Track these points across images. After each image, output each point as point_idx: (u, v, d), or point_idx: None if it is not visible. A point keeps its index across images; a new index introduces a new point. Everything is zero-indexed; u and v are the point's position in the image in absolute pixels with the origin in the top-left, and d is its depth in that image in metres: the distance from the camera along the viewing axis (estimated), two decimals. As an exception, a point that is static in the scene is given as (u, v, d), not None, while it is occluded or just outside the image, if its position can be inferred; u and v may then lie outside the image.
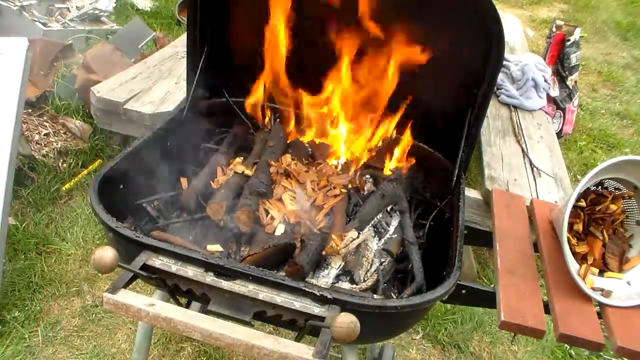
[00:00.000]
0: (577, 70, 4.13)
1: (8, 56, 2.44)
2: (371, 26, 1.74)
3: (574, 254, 1.46)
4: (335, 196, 1.67)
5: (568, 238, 1.44)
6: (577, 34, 3.99)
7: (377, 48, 1.78)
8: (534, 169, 2.83)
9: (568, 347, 2.47)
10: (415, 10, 1.70)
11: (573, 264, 1.40)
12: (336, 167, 1.89)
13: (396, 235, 1.65)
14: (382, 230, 1.66)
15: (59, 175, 3.00)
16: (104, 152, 3.27)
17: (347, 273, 1.48)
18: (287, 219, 1.53)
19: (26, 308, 2.31)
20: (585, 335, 1.25)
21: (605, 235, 1.51)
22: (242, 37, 2.02)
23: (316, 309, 1.16)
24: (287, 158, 1.83)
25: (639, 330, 1.28)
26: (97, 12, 4.45)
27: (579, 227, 1.51)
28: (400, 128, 1.91)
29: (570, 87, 4.02)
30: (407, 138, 1.90)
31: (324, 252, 1.45)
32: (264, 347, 1.04)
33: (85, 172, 3.12)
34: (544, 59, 4.01)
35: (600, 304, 1.37)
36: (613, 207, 1.51)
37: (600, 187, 1.54)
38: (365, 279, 1.47)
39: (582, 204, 1.51)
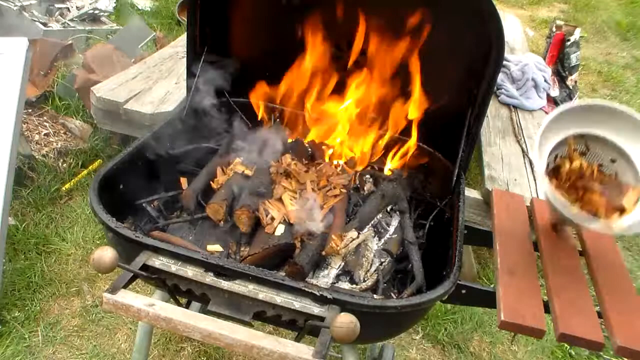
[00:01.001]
0: (577, 70, 4.13)
1: (8, 56, 2.44)
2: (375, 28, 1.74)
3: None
4: (335, 196, 1.67)
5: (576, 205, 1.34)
6: (577, 34, 3.99)
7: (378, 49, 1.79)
8: (534, 169, 2.83)
9: (568, 347, 2.47)
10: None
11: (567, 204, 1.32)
12: (336, 167, 1.90)
13: (396, 235, 1.65)
14: (382, 230, 1.66)
15: (59, 175, 3.00)
16: (104, 152, 3.27)
17: (347, 273, 1.48)
18: (287, 219, 1.53)
19: (26, 308, 2.31)
20: (585, 335, 1.25)
21: (595, 185, 1.39)
22: (242, 37, 2.02)
23: (316, 309, 1.15)
24: (287, 158, 1.83)
25: (639, 330, 1.28)
26: (97, 12, 4.45)
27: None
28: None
29: (570, 87, 4.02)
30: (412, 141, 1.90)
31: (323, 252, 1.45)
32: (264, 347, 1.04)
33: (85, 172, 3.12)
34: (544, 59, 4.01)
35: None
36: (577, 162, 1.42)
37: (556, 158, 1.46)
38: (365, 279, 1.47)
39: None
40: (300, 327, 1.17)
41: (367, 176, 1.89)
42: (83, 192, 3.00)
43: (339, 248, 1.44)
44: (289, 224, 1.52)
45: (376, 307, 1.17)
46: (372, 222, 1.66)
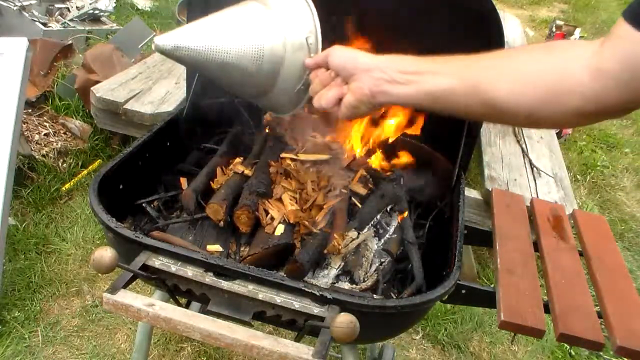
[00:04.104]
0: (577, 70, 4.13)
1: (8, 56, 2.44)
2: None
3: None
4: (336, 196, 1.67)
5: None
6: (577, 34, 4.00)
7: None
8: (534, 169, 2.83)
9: (568, 347, 2.47)
10: (414, 10, 1.69)
11: None
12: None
13: (396, 235, 1.65)
14: (382, 231, 1.66)
15: (59, 175, 3.00)
16: (104, 152, 3.27)
17: (347, 273, 1.48)
18: (287, 219, 1.53)
19: (26, 308, 2.31)
20: (585, 335, 1.25)
21: None
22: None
23: (316, 309, 1.15)
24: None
25: (639, 330, 1.28)
26: (97, 12, 4.46)
27: None
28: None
29: (570, 87, 4.02)
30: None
31: (325, 251, 1.45)
32: (264, 347, 1.04)
33: (85, 172, 3.12)
34: (544, 59, 4.01)
35: None
36: None
37: None
38: (365, 279, 1.47)
39: None
40: (300, 327, 1.17)
41: (367, 176, 1.89)
42: (83, 192, 3.01)
43: (340, 247, 1.44)
44: (289, 224, 1.52)
45: (376, 307, 1.17)
46: (372, 222, 1.66)
